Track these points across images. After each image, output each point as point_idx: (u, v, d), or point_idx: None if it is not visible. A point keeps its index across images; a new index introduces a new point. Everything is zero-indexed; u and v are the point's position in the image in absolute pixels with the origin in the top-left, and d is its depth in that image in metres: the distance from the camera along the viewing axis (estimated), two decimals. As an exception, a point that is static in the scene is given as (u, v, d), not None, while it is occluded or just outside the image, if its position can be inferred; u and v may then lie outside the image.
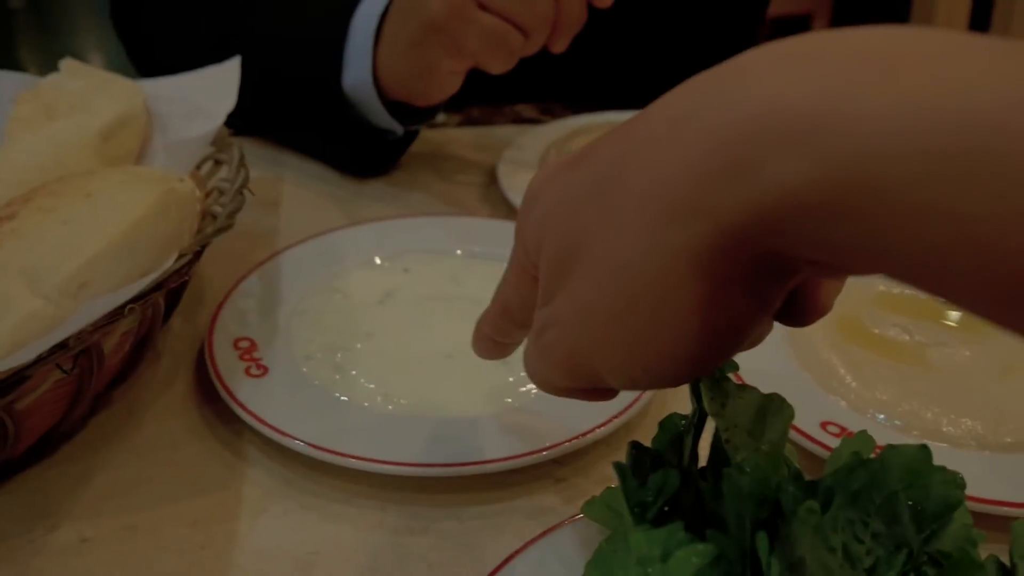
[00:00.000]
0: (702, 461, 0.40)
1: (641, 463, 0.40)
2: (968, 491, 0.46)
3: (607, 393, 0.37)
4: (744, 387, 0.40)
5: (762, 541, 0.34)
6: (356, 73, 0.76)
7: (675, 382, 0.32)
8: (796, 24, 2.93)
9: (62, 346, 0.42)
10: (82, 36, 4.48)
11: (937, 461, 0.38)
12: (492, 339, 0.44)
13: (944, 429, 0.53)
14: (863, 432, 0.43)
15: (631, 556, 0.35)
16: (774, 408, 0.39)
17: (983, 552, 0.38)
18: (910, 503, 0.38)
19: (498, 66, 0.71)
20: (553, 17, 0.69)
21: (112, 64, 0.73)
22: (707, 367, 0.31)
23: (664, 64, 1.03)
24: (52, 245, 0.46)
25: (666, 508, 0.39)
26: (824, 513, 0.36)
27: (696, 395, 0.41)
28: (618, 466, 0.39)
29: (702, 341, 0.29)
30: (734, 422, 0.39)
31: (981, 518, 0.39)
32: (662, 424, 0.42)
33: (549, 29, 0.70)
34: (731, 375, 0.40)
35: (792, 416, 0.39)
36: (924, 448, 0.38)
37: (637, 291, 0.29)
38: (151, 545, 0.47)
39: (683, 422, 0.41)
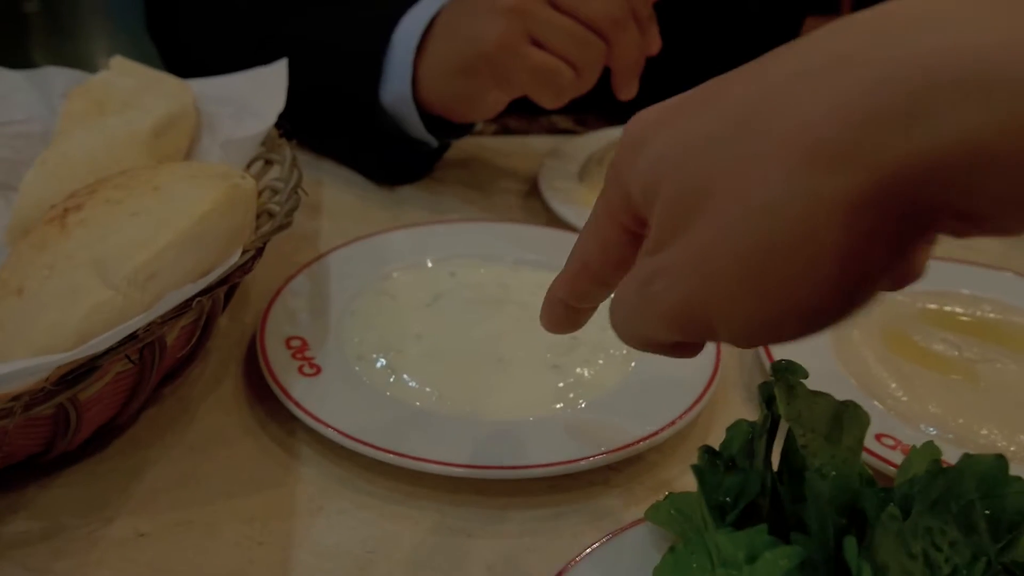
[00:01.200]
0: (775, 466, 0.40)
1: (715, 467, 0.40)
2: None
3: (697, 347, 0.36)
4: (818, 393, 0.40)
5: (851, 545, 0.34)
6: (396, 87, 0.77)
7: (794, 335, 0.30)
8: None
9: (132, 337, 0.42)
10: (95, 40, 4.49)
11: None
12: (565, 304, 0.42)
13: (999, 444, 0.53)
14: (929, 443, 0.43)
15: (712, 559, 0.35)
16: (850, 414, 0.39)
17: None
18: (987, 512, 0.38)
19: (548, 101, 0.71)
20: (604, 59, 0.70)
21: None
22: (831, 322, 0.29)
23: (698, 77, 1.04)
24: (122, 236, 0.46)
25: (741, 513, 0.39)
26: (904, 520, 0.36)
27: (767, 400, 0.41)
28: (697, 469, 0.39)
29: (835, 295, 0.28)
30: (811, 427, 0.39)
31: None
32: (731, 429, 0.42)
33: (600, 70, 0.70)
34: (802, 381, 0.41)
35: (868, 423, 0.39)
36: (1000, 458, 0.38)
37: (775, 239, 0.27)
38: (208, 540, 0.46)
39: (752, 427, 0.41)
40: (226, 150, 0.60)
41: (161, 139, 0.63)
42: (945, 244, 0.77)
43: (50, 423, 0.43)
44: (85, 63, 0.73)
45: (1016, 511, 0.38)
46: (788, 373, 0.41)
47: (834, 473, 0.36)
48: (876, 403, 0.56)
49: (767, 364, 0.58)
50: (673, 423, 0.51)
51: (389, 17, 0.77)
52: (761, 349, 0.59)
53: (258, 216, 0.57)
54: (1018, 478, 0.38)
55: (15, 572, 0.44)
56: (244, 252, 0.49)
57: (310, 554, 0.46)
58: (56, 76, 0.69)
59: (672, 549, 0.39)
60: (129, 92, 0.66)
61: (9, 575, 0.44)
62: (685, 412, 0.53)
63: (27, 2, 4.70)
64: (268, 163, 0.64)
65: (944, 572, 0.36)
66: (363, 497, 0.49)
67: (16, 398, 0.38)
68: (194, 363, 0.57)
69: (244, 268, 0.48)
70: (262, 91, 0.67)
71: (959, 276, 0.69)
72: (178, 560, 0.45)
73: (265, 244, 0.51)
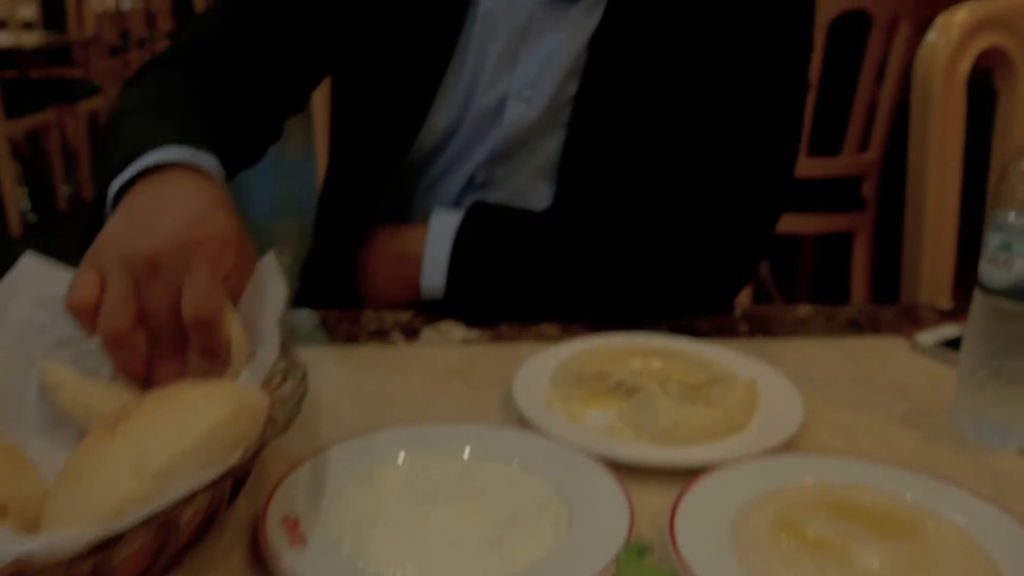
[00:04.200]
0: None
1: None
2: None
3: None
4: (652, 567, 0.53)
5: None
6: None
7: None
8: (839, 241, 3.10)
9: (150, 517, 0.58)
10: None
11: None
12: None
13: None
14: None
15: None
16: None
17: None
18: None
19: None
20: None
21: None
22: None
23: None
24: (151, 442, 0.62)
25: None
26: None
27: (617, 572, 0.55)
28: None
29: None
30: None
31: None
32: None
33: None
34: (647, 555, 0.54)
35: (681, 587, 0.52)
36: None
37: None
38: (205, 677, 0.61)
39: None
40: (252, 373, 0.77)
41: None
42: (864, 441, 0.90)
43: (88, 581, 0.59)
44: None
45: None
46: (632, 551, 0.55)
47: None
48: (755, 577, 0.69)
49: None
50: (574, 590, 0.65)
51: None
52: (667, 533, 0.72)
53: (268, 421, 0.73)
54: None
55: None
56: (244, 454, 0.65)
57: None
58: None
59: None
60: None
61: None
62: (589, 582, 0.66)
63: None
64: (284, 378, 0.81)
65: None
66: (328, 647, 0.63)
67: (61, 560, 0.54)
68: (210, 535, 0.72)
69: (243, 466, 0.64)
70: (262, 295, 0.84)
71: (857, 469, 0.82)
72: None
73: (263, 446, 0.67)
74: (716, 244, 1.17)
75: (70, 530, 0.55)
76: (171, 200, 0.85)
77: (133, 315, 0.78)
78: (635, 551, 0.54)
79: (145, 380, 0.80)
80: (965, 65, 1.41)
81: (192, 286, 0.78)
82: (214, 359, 0.79)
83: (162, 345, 0.80)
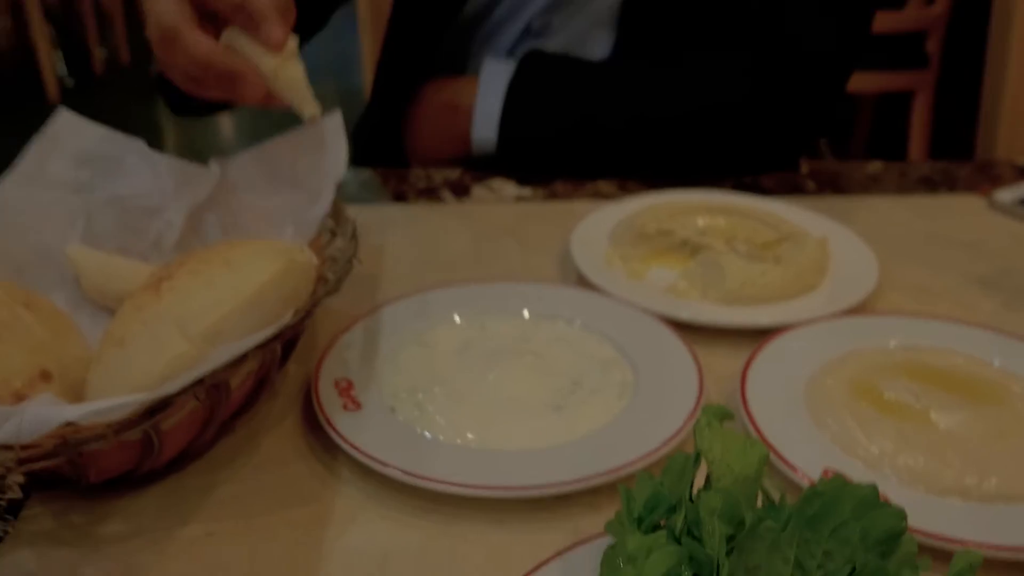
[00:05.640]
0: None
1: (645, 488, 0.50)
2: (940, 531, 0.56)
3: None
4: (730, 431, 0.50)
5: (723, 547, 0.44)
6: None
7: None
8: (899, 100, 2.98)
9: (199, 381, 0.55)
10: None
11: (921, 508, 0.46)
12: None
13: (934, 481, 0.61)
14: (839, 475, 0.52)
15: (624, 556, 0.45)
16: (751, 448, 0.49)
17: (927, 576, 0.47)
18: (859, 529, 0.47)
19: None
20: None
21: (240, 123, 0.85)
22: None
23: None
24: (198, 301, 0.59)
25: (662, 523, 0.49)
26: (782, 532, 0.45)
27: (695, 436, 0.51)
28: (623, 488, 0.50)
29: None
30: (719, 457, 0.49)
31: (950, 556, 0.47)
32: (671, 460, 0.52)
33: None
34: (725, 422, 0.51)
35: (766, 454, 0.49)
36: (874, 486, 0.47)
37: None
38: (261, 541, 0.59)
39: (685, 459, 0.51)
40: (297, 229, 0.73)
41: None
42: (940, 302, 0.86)
43: (139, 446, 0.56)
44: (205, 120, 0.85)
45: (885, 530, 0.47)
46: (712, 414, 0.51)
47: (722, 492, 0.46)
48: (835, 445, 0.65)
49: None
50: (645, 456, 0.62)
51: None
52: (739, 396, 0.69)
53: (318, 280, 0.70)
54: (888, 504, 0.47)
55: (108, 565, 0.57)
56: (296, 313, 0.61)
57: (338, 554, 0.58)
58: (163, 163, 0.83)
59: (607, 549, 0.50)
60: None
61: (101, 566, 0.57)
62: (658, 447, 0.63)
63: (154, 64, 5.02)
64: (333, 235, 0.77)
65: (815, 575, 0.46)
66: (385, 510, 0.61)
67: (110, 426, 0.51)
68: (262, 401, 0.69)
69: (295, 326, 0.61)
70: (320, 155, 0.79)
71: (938, 331, 0.77)
72: (236, 555, 0.58)
73: (315, 306, 0.64)
74: (789, 86, 1.09)
75: (117, 396, 0.52)
76: None
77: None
78: (715, 414, 0.50)
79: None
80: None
81: None
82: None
83: None
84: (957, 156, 1.36)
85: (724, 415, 0.51)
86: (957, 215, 1.06)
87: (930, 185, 1.14)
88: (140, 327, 0.59)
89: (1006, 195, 1.07)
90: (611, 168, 1.11)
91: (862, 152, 3.48)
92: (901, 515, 0.47)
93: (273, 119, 0.97)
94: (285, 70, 0.75)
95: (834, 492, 0.47)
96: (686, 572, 0.44)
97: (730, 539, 0.45)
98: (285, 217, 0.78)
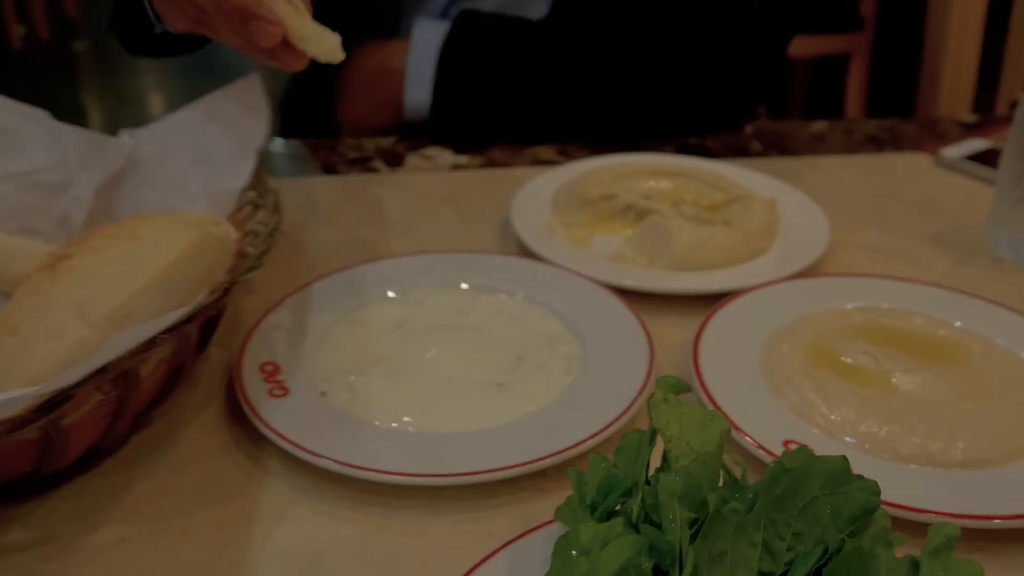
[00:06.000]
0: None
1: (597, 472, 0.46)
2: (912, 503, 0.52)
3: None
4: (688, 405, 0.46)
5: (684, 534, 0.40)
6: None
7: None
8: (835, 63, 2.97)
9: (102, 370, 0.49)
10: (142, 77, 4.67)
11: (889, 478, 0.43)
12: None
13: (900, 449, 0.58)
14: (804, 447, 0.48)
15: (578, 547, 0.41)
16: (711, 422, 0.45)
17: (902, 552, 0.43)
18: (830, 507, 0.43)
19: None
20: None
21: (172, 104, 0.79)
22: None
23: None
24: (101, 282, 0.53)
25: (618, 508, 0.45)
26: (748, 513, 0.42)
27: (649, 412, 0.47)
28: (573, 472, 0.45)
29: None
30: (677, 433, 0.44)
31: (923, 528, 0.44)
32: (624, 438, 0.48)
33: None
34: (680, 395, 0.47)
35: (727, 428, 0.45)
36: (843, 459, 0.43)
37: None
38: (181, 544, 0.53)
39: (639, 436, 0.47)
40: (213, 201, 0.68)
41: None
42: (893, 262, 0.83)
43: (37, 445, 0.51)
44: (133, 100, 0.79)
45: (858, 505, 0.43)
46: (667, 388, 0.47)
47: (681, 473, 0.42)
48: (792, 413, 0.61)
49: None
50: (595, 435, 0.58)
51: None
52: (691, 362, 0.65)
53: (238, 257, 0.64)
54: (860, 477, 0.43)
55: None
56: (212, 292, 0.56)
57: (267, 554, 0.53)
58: (71, 134, 0.76)
59: (559, 540, 0.45)
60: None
61: (2, 576, 0.51)
62: (608, 425, 0.58)
63: (77, 41, 4.88)
64: (255, 208, 0.72)
65: (784, 559, 0.42)
66: (318, 504, 0.56)
67: (2, 423, 0.45)
68: (180, 390, 0.64)
69: (210, 306, 0.55)
70: (240, 122, 0.73)
71: (893, 292, 0.74)
72: (152, 562, 0.52)
73: (233, 284, 0.58)
74: (738, 48, 1.05)
75: (11, 391, 0.46)
76: None
77: None
78: (670, 387, 0.46)
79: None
80: None
81: None
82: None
83: None
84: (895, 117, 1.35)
85: (680, 388, 0.47)
86: (905, 173, 1.03)
87: (876, 144, 1.11)
88: (35, 313, 0.53)
89: (953, 152, 1.04)
90: (551, 132, 1.06)
91: (799, 117, 3.48)
92: (874, 489, 0.43)
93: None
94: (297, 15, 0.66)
95: (802, 467, 0.43)
96: (646, 562, 0.40)
97: (692, 523, 0.42)
98: (201, 190, 0.72)
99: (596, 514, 0.43)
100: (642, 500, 0.44)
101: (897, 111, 1.41)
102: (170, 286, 0.55)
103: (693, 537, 0.41)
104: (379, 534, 0.54)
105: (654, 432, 0.46)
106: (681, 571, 0.39)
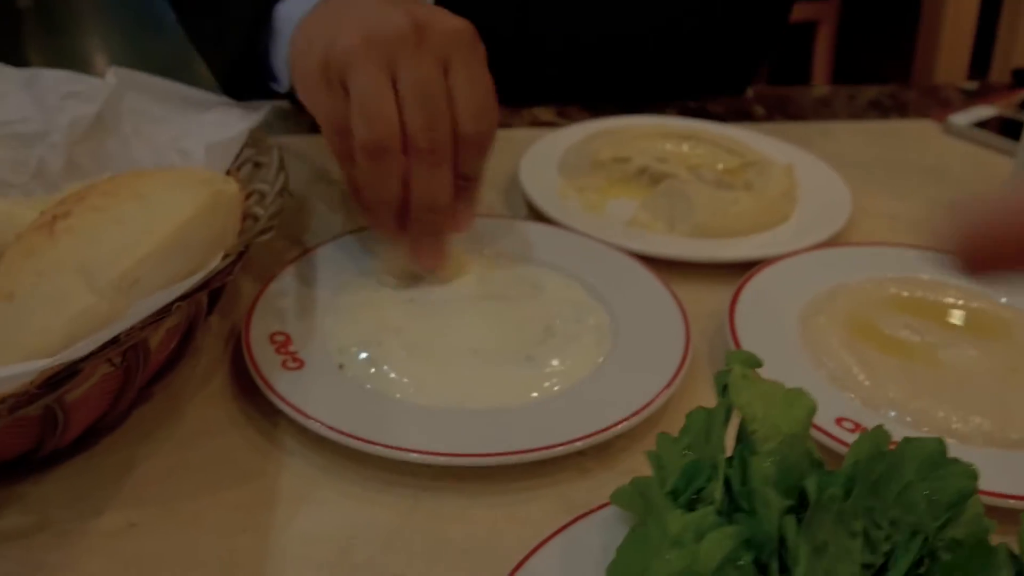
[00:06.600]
0: (728, 451, 0.42)
1: (670, 453, 0.42)
2: (991, 487, 0.49)
3: None
4: (769, 381, 0.42)
5: (790, 524, 0.36)
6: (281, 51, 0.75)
7: None
8: (803, 30, 2.95)
9: (113, 342, 0.44)
10: (88, 37, 4.51)
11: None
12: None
13: (954, 426, 0.55)
14: (879, 427, 0.44)
15: (666, 539, 0.37)
16: (796, 401, 0.41)
17: (994, 541, 0.40)
18: (926, 492, 0.40)
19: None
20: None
21: (119, 63, 0.73)
22: None
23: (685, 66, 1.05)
24: (106, 243, 0.48)
25: (695, 495, 0.41)
26: (845, 501, 0.38)
27: (722, 389, 0.43)
28: (652, 455, 0.42)
29: None
30: (760, 413, 0.41)
31: (989, 511, 0.41)
32: (690, 416, 0.44)
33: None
34: (755, 371, 0.43)
35: (814, 408, 0.41)
36: (940, 441, 0.40)
37: None
38: (194, 529, 0.49)
39: (709, 414, 0.44)
40: (210, 154, 0.62)
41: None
42: (913, 231, 0.79)
43: (39, 423, 0.45)
44: (79, 59, 0.74)
45: (955, 491, 0.40)
46: (741, 362, 0.43)
47: (775, 457, 0.38)
48: (838, 389, 0.58)
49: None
50: (640, 411, 0.54)
51: None
52: (729, 337, 0.62)
53: (244, 218, 0.59)
54: (956, 460, 0.40)
55: (8, 567, 0.46)
56: (225, 257, 0.51)
57: (292, 540, 0.48)
58: (48, 77, 0.70)
59: (634, 529, 0.42)
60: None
61: (2, 569, 0.46)
62: (652, 400, 0.55)
63: (21, -1, 4.70)
64: (257, 166, 0.66)
65: (883, 549, 0.39)
66: (344, 485, 0.52)
67: (2, 401, 0.40)
68: (183, 362, 0.59)
69: (225, 272, 0.50)
70: None
71: (925, 263, 0.71)
72: (165, 549, 0.48)
73: (247, 248, 0.53)
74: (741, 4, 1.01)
75: (6, 366, 0.41)
76: None
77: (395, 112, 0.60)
78: (745, 362, 0.42)
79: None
80: None
81: (471, 81, 0.63)
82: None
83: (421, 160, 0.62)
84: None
85: (753, 363, 0.44)
86: (914, 140, 1.00)
87: (880, 109, 1.08)
88: (33, 277, 0.47)
89: (961, 119, 1.02)
90: (547, 89, 1.01)
91: (765, 83, 3.46)
92: (972, 473, 0.40)
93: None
94: None
95: (898, 450, 0.40)
96: (745, 555, 0.36)
97: (786, 512, 0.38)
98: (195, 139, 0.66)
99: (679, 501, 0.40)
100: (725, 486, 0.40)
101: (865, 79, 1.38)
102: (182, 249, 0.49)
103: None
104: (412, 518, 0.50)
105: (728, 410, 0.42)
106: (791, 566, 0.35)
